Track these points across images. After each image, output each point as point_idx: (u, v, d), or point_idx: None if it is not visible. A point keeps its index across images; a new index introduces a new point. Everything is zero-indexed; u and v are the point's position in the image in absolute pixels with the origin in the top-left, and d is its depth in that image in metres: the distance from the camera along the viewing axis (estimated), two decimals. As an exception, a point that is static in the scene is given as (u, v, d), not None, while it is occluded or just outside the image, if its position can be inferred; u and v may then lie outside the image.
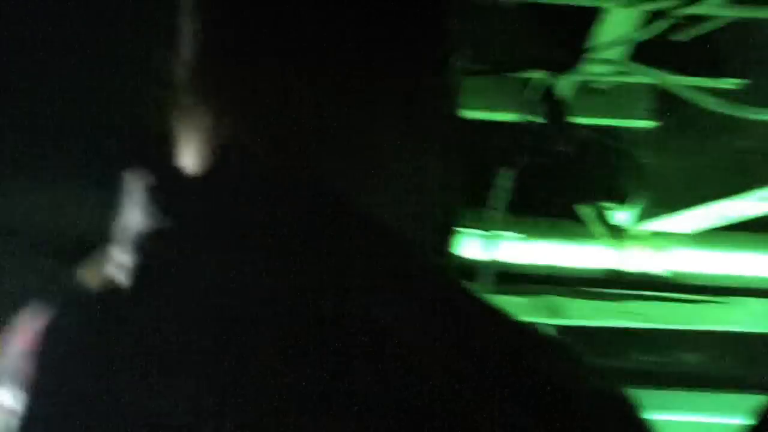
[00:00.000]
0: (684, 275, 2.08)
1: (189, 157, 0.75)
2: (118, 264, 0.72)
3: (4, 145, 1.78)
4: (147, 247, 0.71)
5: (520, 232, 1.92)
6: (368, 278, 0.68)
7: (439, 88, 0.80)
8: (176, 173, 0.76)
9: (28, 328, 0.79)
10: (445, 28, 0.83)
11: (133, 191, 0.74)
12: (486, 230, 1.71)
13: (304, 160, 0.75)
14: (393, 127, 0.77)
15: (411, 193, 0.80)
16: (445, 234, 0.79)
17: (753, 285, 2.13)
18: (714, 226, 1.90)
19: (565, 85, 1.52)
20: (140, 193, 0.74)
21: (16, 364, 0.78)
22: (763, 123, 1.52)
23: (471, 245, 1.83)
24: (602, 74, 1.52)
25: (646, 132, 1.72)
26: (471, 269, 1.80)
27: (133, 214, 0.75)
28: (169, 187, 0.74)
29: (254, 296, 0.66)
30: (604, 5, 1.40)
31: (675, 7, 1.38)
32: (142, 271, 0.72)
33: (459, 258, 2.04)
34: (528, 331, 0.68)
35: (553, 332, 2.02)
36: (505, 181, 1.61)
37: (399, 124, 0.77)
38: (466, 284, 0.69)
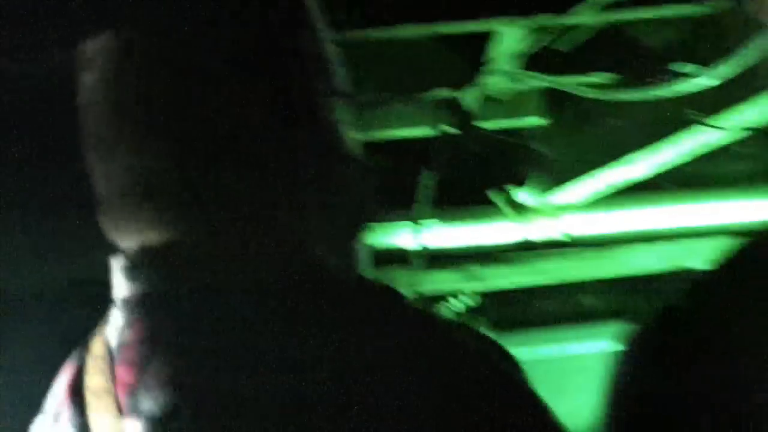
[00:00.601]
0: (579, 236, 2.34)
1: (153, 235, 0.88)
2: (114, 327, 0.88)
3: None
4: (135, 312, 0.86)
5: (444, 219, 2.17)
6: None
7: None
8: (147, 250, 0.88)
9: (63, 374, 0.98)
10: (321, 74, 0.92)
11: (116, 268, 0.90)
12: (416, 221, 1.94)
13: (257, 219, 0.88)
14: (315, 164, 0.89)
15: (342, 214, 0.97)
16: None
17: (633, 237, 2.41)
18: (600, 193, 2.14)
19: (470, 97, 1.74)
20: (120, 268, 0.89)
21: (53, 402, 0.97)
22: (631, 104, 1.76)
23: (405, 234, 2.06)
24: (500, 84, 1.75)
25: (541, 126, 1.96)
26: (406, 254, 2.06)
27: (119, 286, 0.91)
28: (145, 262, 0.88)
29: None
30: (495, 27, 1.60)
31: (553, 22, 1.60)
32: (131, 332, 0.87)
33: (397, 246, 2.27)
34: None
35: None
36: (428, 180, 1.84)
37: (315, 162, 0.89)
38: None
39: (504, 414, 0.76)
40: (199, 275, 0.86)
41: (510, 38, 1.61)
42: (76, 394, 0.95)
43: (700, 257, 2.37)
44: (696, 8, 1.54)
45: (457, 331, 0.85)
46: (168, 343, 0.83)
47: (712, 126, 1.62)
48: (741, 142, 1.83)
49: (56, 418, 0.97)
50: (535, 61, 1.70)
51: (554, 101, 1.88)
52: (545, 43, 1.67)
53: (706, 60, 1.49)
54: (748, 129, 1.61)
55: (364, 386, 0.75)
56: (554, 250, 2.36)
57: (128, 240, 0.89)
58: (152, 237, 0.87)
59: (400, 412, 0.74)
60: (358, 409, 0.73)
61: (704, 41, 1.59)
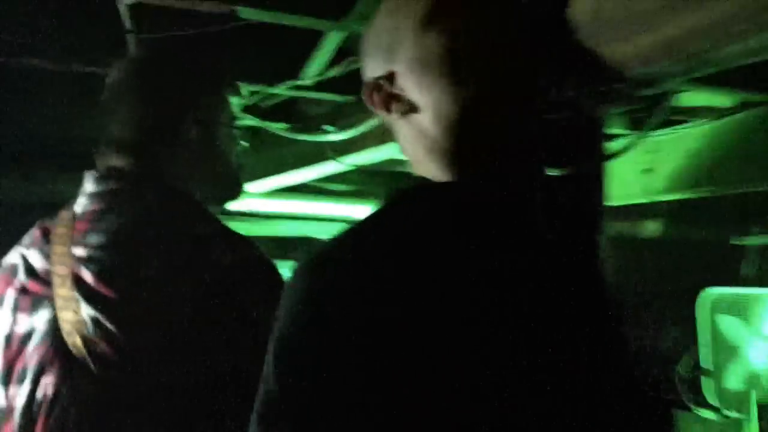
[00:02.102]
0: (262, 212, 3.43)
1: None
2: (80, 204, 1.39)
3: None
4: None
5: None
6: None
7: None
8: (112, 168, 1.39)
9: (36, 226, 1.41)
10: None
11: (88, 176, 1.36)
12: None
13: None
14: None
15: None
16: None
17: (286, 215, 3.55)
18: (277, 188, 3.19)
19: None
20: (92, 176, 1.35)
21: (28, 238, 1.41)
22: (295, 142, 2.75)
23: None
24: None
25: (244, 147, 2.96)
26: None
27: (89, 186, 1.37)
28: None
29: None
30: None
31: (264, 90, 2.44)
32: None
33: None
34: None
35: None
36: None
37: None
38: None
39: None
40: (134, 184, 1.40)
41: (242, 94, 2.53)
42: (45, 235, 1.42)
43: (324, 233, 3.54)
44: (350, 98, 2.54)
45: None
46: (115, 213, 1.35)
47: (338, 161, 2.68)
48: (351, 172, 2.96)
49: (28, 246, 1.44)
50: (248, 109, 2.63)
51: (252, 134, 2.89)
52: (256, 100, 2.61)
53: (347, 125, 2.47)
54: (355, 165, 2.70)
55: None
56: (243, 218, 3.43)
57: (103, 163, 1.45)
58: (117, 163, 1.44)
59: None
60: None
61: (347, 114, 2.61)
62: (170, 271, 1.33)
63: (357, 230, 0.96)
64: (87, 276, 1.35)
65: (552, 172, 1.70)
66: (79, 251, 1.37)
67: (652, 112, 2.10)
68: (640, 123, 2.31)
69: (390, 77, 1.03)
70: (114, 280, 1.34)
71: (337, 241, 0.95)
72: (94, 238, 1.38)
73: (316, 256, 0.93)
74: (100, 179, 1.44)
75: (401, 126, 1.04)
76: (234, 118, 1.60)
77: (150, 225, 1.39)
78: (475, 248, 0.93)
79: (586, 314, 0.96)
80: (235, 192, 1.59)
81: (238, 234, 1.46)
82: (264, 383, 0.90)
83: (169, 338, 1.32)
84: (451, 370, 0.84)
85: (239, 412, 1.18)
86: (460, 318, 0.86)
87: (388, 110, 1.04)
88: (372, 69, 1.06)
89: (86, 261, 1.36)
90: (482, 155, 0.99)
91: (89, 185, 1.44)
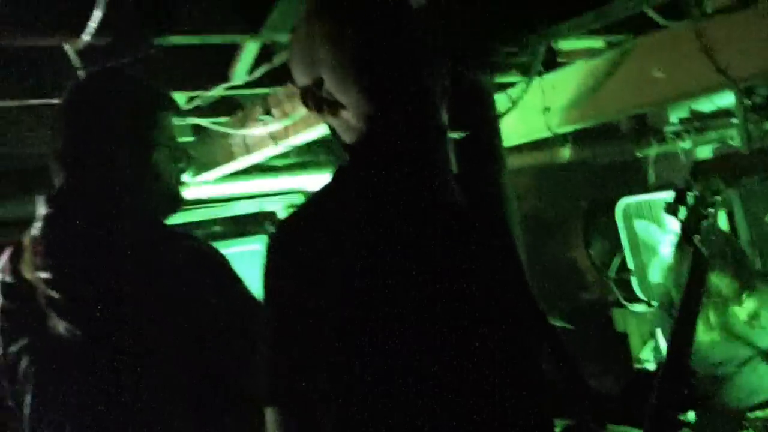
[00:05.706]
0: (211, 196, 3.82)
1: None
2: (36, 228, 1.48)
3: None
4: None
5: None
6: None
7: None
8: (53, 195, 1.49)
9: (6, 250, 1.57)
10: None
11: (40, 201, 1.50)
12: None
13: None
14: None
15: None
16: None
17: (239, 196, 3.94)
18: (221, 176, 3.58)
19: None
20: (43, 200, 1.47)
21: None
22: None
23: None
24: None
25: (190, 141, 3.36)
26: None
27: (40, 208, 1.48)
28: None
29: None
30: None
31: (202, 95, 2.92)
32: None
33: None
34: None
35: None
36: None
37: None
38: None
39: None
40: (78, 204, 1.51)
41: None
42: (14, 258, 1.57)
43: (276, 206, 3.95)
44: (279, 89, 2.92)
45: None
46: (64, 235, 1.50)
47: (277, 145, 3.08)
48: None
49: (2, 272, 1.58)
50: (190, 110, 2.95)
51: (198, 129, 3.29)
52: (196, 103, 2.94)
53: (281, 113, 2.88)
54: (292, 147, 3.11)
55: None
56: (201, 205, 3.81)
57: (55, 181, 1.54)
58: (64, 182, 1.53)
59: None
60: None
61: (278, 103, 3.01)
62: (123, 279, 1.47)
63: (308, 203, 1.23)
64: (55, 296, 1.51)
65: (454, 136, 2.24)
66: (45, 275, 1.51)
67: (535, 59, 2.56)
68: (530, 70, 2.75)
69: (318, 83, 1.20)
70: (77, 296, 1.50)
71: (296, 212, 1.21)
72: (52, 260, 1.51)
73: (280, 225, 1.19)
74: (49, 201, 1.54)
75: (331, 120, 1.23)
76: (173, 137, 1.66)
77: (97, 242, 1.50)
78: (393, 208, 1.18)
79: (480, 248, 1.21)
80: (175, 207, 1.66)
81: (177, 232, 1.63)
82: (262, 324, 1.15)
83: (135, 333, 1.48)
84: (383, 287, 1.10)
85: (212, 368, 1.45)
86: (384, 252, 1.13)
87: (321, 111, 1.21)
88: (302, 78, 1.23)
89: (52, 283, 1.51)
90: (399, 136, 1.19)
91: (41, 208, 1.55)
